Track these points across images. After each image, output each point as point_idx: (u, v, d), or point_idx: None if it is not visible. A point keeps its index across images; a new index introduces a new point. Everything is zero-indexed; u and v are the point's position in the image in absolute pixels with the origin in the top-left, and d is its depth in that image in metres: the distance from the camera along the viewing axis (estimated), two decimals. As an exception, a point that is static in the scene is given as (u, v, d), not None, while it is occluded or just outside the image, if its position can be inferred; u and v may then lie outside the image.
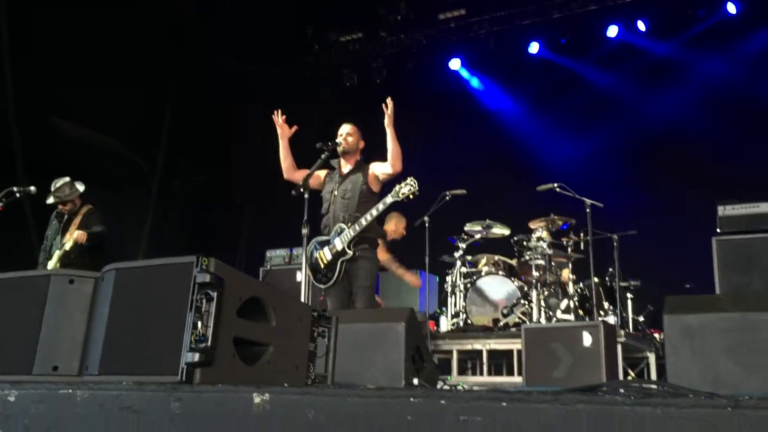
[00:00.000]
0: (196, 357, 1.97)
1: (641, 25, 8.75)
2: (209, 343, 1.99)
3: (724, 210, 6.52)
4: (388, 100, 5.24)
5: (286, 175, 5.51)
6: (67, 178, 6.67)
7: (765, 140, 7.77)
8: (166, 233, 9.74)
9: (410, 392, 1.68)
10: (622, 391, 1.68)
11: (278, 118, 5.56)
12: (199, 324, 2.00)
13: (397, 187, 5.04)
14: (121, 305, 2.17)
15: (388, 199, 5.06)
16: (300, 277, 5.35)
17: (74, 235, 6.31)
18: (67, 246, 6.32)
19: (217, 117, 9.59)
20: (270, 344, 2.25)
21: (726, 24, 8.36)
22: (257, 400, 1.76)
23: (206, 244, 9.85)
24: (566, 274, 6.99)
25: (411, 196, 5.04)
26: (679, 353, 3.43)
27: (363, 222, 5.10)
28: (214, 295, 2.02)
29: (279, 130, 5.55)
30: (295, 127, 5.55)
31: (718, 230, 6.51)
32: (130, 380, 1.99)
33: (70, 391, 1.95)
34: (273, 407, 1.76)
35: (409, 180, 5.03)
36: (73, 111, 8.15)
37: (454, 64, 9.91)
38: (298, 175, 5.41)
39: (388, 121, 5.22)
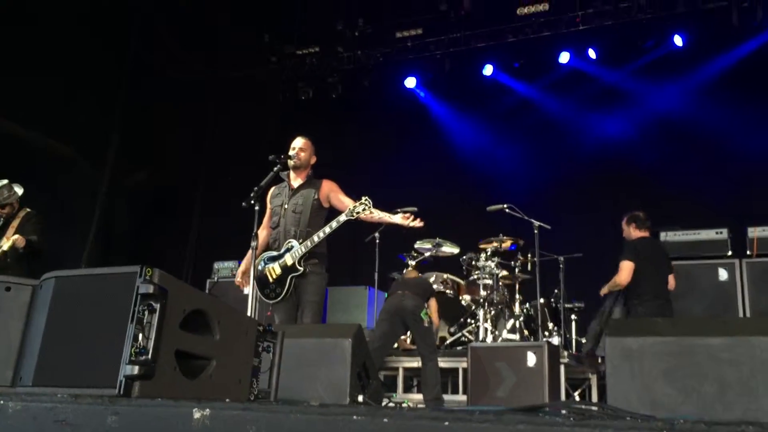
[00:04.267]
0: (136, 370, 1.92)
1: (592, 53, 8.97)
2: (150, 356, 1.95)
3: (666, 236, 6.74)
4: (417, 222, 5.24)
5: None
6: (5, 180, 6.46)
7: (706, 169, 8.03)
8: (112, 241, 9.52)
9: (353, 410, 1.67)
10: (563, 412, 1.71)
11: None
12: (140, 336, 1.95)
13: (351, 206, 5.03)
14: (59, 314, 2.11)
15: (342, 218, 5.04)
16: (247, 290, 5.27)
17: (12, 239, 6.10)
18: (5, 246, 6.10)
19: (167, 123, 9.45)
20: (213, 358, 2.21)
21: (673, 56, 8.63)
22: (197, 415, 1.73)
23: (153, 253, 9.66)
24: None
25: (364, 216, 5.05)
26: (619, 375, 3.50)
27: (315, 239, 5.07)
28: (157, 306, 1.98)
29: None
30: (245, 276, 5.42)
31: (660, 255, 6.71)
32: (65, 392, 1.93)
33: (2, 402, 1.88)
34: (213, 423, 1.73)
35: (363, 199, 5.03)
36: (14, 111, 7.90)
37: (410, 82, 9.99)
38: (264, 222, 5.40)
39: (402, 221, 5.22)
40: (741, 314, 6.18)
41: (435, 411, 1.61)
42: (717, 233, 6.56)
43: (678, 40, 8.48)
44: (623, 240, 6.55)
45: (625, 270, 6.16)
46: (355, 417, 1.59)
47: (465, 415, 1.55)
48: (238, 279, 5.55)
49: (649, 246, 6.36)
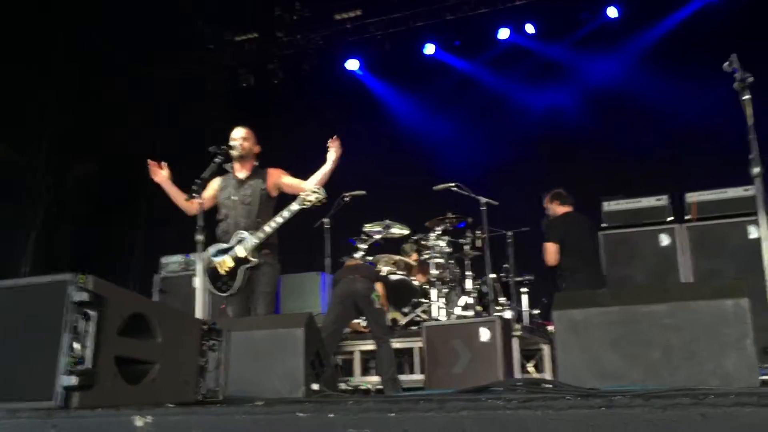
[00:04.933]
0: (74, 380, 1.87)
1: (530, 28, 9.05)
2: (88, 365, 1.89)
3: (608, 206, 6.87)
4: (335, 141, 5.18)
5: (188, 211, 5.23)
6: None
7: (646, 137, 8.21)
8: (55, 240, 9.26)
9: (299, 407, 1.66)
10: (506, 395, 1.73)
11: (154, 168, 5.33)
12: (77, 345, 1.90)
13: (303, 194, 4.98)
14: (-10, 328, 2.03)
15: (294, 207, 5.00)
16: (197, 283, 5.19)
17: None
18: None
19: (109, 118, 9.20)
20: (156, 361, 2.17)
21: (608, 27, 8.77)
22: (139, 423, 1.69)
23: (99, 251, 9.44)
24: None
25: (318, 204, 5.01)
26: (567, 348, 3.56)
27: (267, 229, 5.02)
28: (93, 314, 1.92)
29: (154, 178, 5.33)
30: (166, 170, 5.32)
31: (603, 225, 6.86)
32: (1, 407, 1.87)
33: (-68, 424, 1.81)
34: (157, 429, 1.70)
35: (315, 187, 4.99)
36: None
37: (352, 64, 9.92)
38: (196, 204, 5.23)
39: (334, 155, 5.15)
40: (683, 277, 6.34)
41: (380, 402, 1.61)
42: (657, 200, 6.71)
43: (612, 12, 8.62)
44: (547, 218, 6.79)
45: (550, 251, 6.48)
46: (300, 414, 1.58)
47: (410, 405, 1.55)
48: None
49: (572, 220, 6.61)
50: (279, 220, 5.01)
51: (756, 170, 3.99)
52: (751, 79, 4.02)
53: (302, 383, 4.05)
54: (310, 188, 4.98)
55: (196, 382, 2.37)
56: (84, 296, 1.93)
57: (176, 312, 2.37)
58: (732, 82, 4.12)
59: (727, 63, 4.13)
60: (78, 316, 1.92)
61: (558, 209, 6.74)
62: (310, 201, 4.94)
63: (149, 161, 5.39)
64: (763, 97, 4.46)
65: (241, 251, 5.06)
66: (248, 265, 5.04)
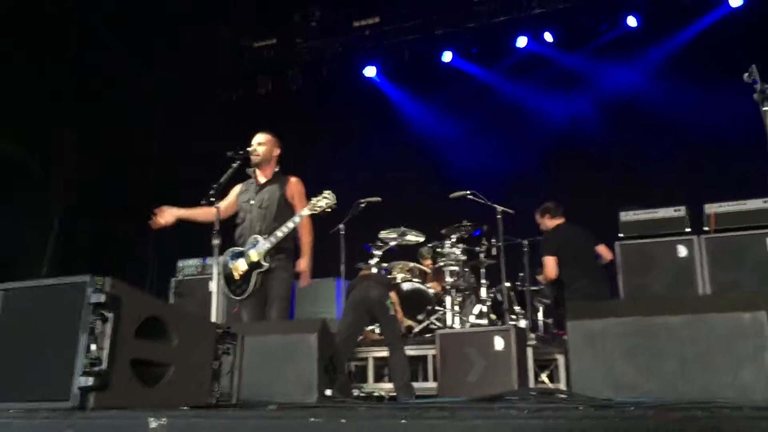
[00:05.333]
0: (90, 381, 1.89)
1: (548, 37, 9.03)
2: (104, 366, 1.92)
3: (626, 216, 6.82)
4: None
5: (215, 219, 5.18)
6: None
7: (665, 147, 8.16)
8: (74, 241, 9.34)
9: (311, 412, 1.67)
10: (519, 404, 1.73)
11: (156, 220, 5.42)
12: (94, 347, 1.92)
13: (313, 200, 5.00)
14: (8, 328, 2.06)
15: (305, 212, 5.02)
16: (212, 287, 5.23)
17: None
18: None
19: (122, 120, 9.28)
20: (171, 364, 2.19)
21: (628, 37, 8.73)
22: (153, 424, 1.71)
23: (117, 253, 9.51)
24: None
25: (328, 210, 5.02)
26: (582, 358, 3.54)
27: (279, 234, 5.04)
28: (110, 315, 1.94)
29: (164, 223, 5.41)
30: (166, 212, 5.39)
31: (620, 235, 6.82)
32: (19, 407, 1.89)
33: (-49, 422, 1.84)
34: (171, 431, 1.71)
35: (326, 193, 5.00)
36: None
37: (369, 71, 9.94)
38: (225, 207, 5.29)
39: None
40: (701, 289, 6.28)
41: (392, 409, 1.62)
42: (675, 210, 6.65)
43: (632, 21, 8.58)
44: (542, 233, 6.94)
45: (549, 265, 6.66)
46: (312, 419, 1.59)
47: (421, 411, 1.56)
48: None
49: (565, 231, 6.76)
50: (290, 225, 5.03)
51: (775, 182, 3.96)
52: (771, 91, 3.99)
53: (315, 389, 4.07)
54: (323, 194, 5.00)
55: (211, 385, 2.38)
56: (101, 298, 1.96)
57: (192, 315, 2.39)
58: (752, 92, 4.10)
59: (746, 74, 4.10)
60: (95, 317, 1.94)
61: (549, 223, 6.92)
62: (320, 207, 4.96)
63: (151, 218, 5.44)
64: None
65: (254, 255, 5.09)
66: (261, 270, 5.06)
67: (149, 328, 2.14)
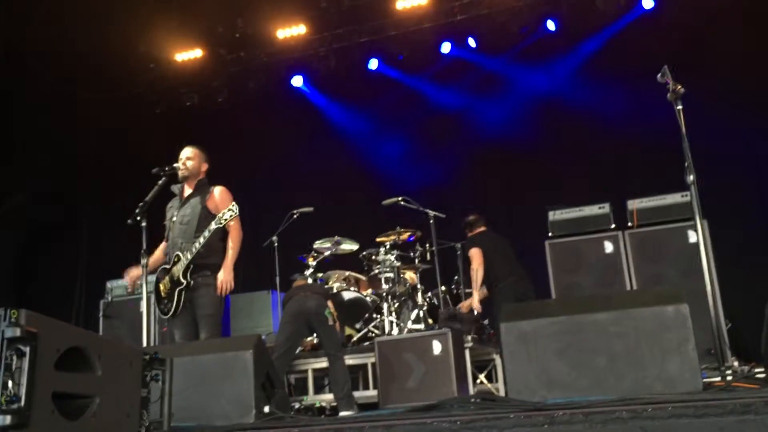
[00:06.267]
0: (8, 419, 1.80)
1: (472, 42, 9.17)
2: (22, 403, 1.83)
3: (554, 215, 7.00)
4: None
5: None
6: None
7: (588, 147, 8.39)
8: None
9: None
10: (451, 415, 1.73)
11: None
12: (10, 383, 1.83)
13: (220, 213, 4.92)
14: None
15: (213, 226, 4.92)
16: (143, 307, 5.09)
17: None
18: None
19: (50, 142, 8.97)
20: (96, 395, 2.10)
21: (548, 40, 8.93)
22: (77, 462, 1.63)
23: (42, 276, 9.16)
24: (410, 276, 7.20)
25: (233, 222, 4.97)
26: (516, 359, 3.61)
27: (193, 250, 4.93)
28: (26, 349, 1.86)
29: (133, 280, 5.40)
30: (132, 270, 5.36)
31: (549, 234, 6.99)
32: (-70, 453, 1.78)
33: None
34: (96, 468, 1.64)
35: (231, 205, 4.93)
36: None
37: (297, 81, 9.88)
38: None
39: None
40: (628, 283, 6.48)
41: (327, 427, 1.60)
42: (600, 208, 6.86)
43: (551, 25, 8.80)
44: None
45: (475, 256, 6.81)
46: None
47: (356, 430, 1.54)
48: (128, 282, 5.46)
49: (488, 237, 7.01)
50: (202, 240, 4.93)
51: (690, 177, 4.13)
52: (682, 90, 4.16)
53: (253, 407, 4.00)
54: (228, 207, 4.92)
55: (140, 415, 2.31)
56: (17, 332, 1.87)
57: (115, 343, 2.31)
58: (666, 92, 4.27)
59: (659, 74, 4.26)
60: (11, 352, 1.85)
61: (472, 234, 7.16)
62: (225, 219, 4.89)
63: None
64: (696, 105, 4.62)
65: (175, 272, 4.99)
66: (181, 287, 4.96)
67: (70, 359, 2.05)
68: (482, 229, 7.13)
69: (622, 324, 3.50)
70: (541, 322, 3.62)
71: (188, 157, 5.30)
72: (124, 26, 8.74)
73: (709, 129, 7.14)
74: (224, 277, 5.03)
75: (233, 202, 4.93)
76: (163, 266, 5.22)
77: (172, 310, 4.97)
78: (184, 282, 4.93)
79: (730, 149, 7.52)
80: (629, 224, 6.70)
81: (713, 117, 7.23)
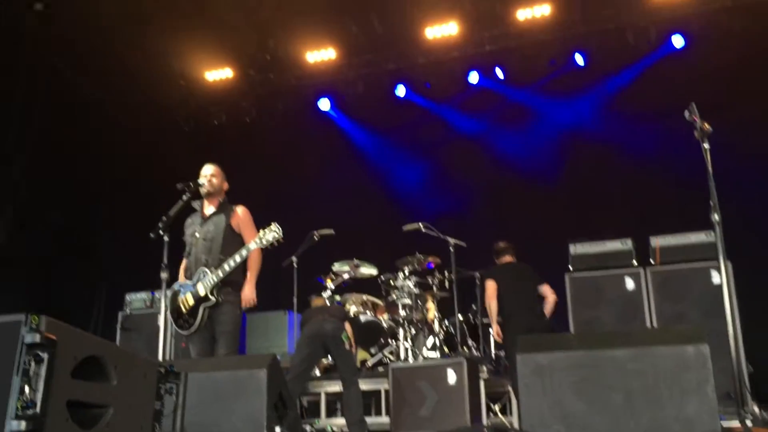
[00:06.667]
0: (23, 425, 1.82)
1: (500, 73, 9.21)
2: (38, 409, 1.84)
3: (575, 248, 6.94)
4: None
5: None
6: None
7: (613, 181, 8.35)
8: (16, 275, 9.06)
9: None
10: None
11: None
12: (27, 389, 1.85)
13: (261, 233, 4.95)
14: (-63, 370, 1.97)
15: (252, 245, 4.96)
16: (161, 321, 5.11)
17: None
18: None
19: (73, 156, 9.10)
20: (110, 405, 2.11)
21: (576, 73, 8.95)
22: (88, 470, 1.64)
23: (64, 287, 9.25)
24: (432, 311, 7.14)
25: (275, 243, 4.97)
26: (531, 391, 3.57)
27: (226, 267, 4.97)
28: (45, 356, 1.88)
29: None
30: None
31: (570, 267, 6.93)
32: (-55, 454, 1.80)
33: None
34: (106, 477, 1.65)
35: (273, 226, 4.96)
36: None
37: (324, 104, 9.98)
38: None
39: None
40: (648, 321, 6.40)
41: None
42: (622, 243, 6.79)
43: (579, 59, 8.82)
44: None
45: (487, 289, 6.74)
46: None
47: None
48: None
49: (507, 267, 6.88)
50: (237, 258, 4.97)
51: (716, 217, 4.09)
52: (710, 129, 4.14)
53: (264, 426, 3.98)
54: (269, 227, 4.95)
55: (152, 427, 2.31)
56: (36, 338, 1.89)
57: (132, 354, 2.32)
58: (693, 129, 4.25)
59: (687, 112, 4.25)
60: (29, 358, 1.87)
61: (498, 262, 7.04)
62: (267, 240, 4.91)
63: None
64: (723, 144, 4.59)
65: (201, 289, 5.01)
66: (208, 304, 4.98)
67: (87, 368, 2.07)
68: (507, 259, 6.98)
69: (641, 361, 3.45)
70: (558, 355, 3.58)
71: (212, 174, 5.37)
72: (158, 42, 8.90)
73: (735, 169, 7.10)
74: (249, 294, 5.07)
75: (275, 223, 4.96)
76: (181, 281, 5.24)
77: (195, 326, 4.99)
78: (213, 299, 4.96)
79: (757, 190, 7.44)
80: (651, 261, 6.63)
81: (740, 157, 7.17)
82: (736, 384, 3.87)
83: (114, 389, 2.16)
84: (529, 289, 6.76)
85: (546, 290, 6.70)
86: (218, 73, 9.92)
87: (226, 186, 5.46)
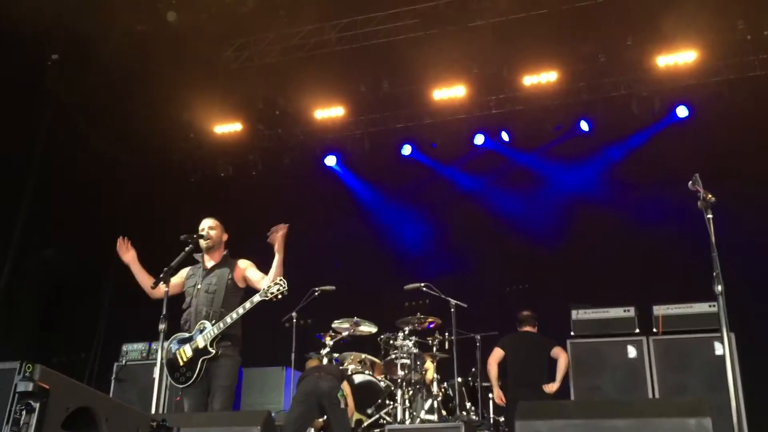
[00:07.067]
0: (9, 477, 1.78)
1: (505, 136, 9.32)
2: (26, 460, 1.81)
3: (577, 314, 6.90)
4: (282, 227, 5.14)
5: (151, 296, 5.18)
6: None
7: (615, 248, 8.34)
8: (15, 322, 9.00)
9: None
10: None
11: (121, 246, 5.37)
12: (17, 438, 1.81)
13: (266, 287, 4.93)
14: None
15: (256, 298, 4.94)
16: (156, 373, 5.04)
17: None
18: None
19: (77, 201, 9.15)
20: (99, 459, 2.07)
21: (580, 139, 9.05)
22: None
23: (60, 335, 9.16)
24: (431, 371, 7.05)
25: (279, 296, 4.94)
26: (529, 459, 3.49)
27: (228, 320, 4.94)
28: (36, 405, 1.85)
29: (122, 256, 5.36)
30: (131, 250, 5.36)
31: (572, 333, 6.87)
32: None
33: None
34: None
35: (278, 279, 4.95)
36: None
37: (330, 160, 10.08)
38: (161, 292, 5.20)
39: (278, 246, 5.11)
40: (650, 390, 6.30)
41: None
42: (625, 311, 6.75)
43: (584, 125, 8.92)
44: None
45: (492, 354, 7.10)
46: None
47: None
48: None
49: (519, 339, 7.12)
50: (241, 311, 4.94)
51: (719, 288, 4.06)
52: (713, 199, 4.15)
53: (256, 486, 3.89)
54: (272, 280, 4.94)
55: (140, 483, 2.26)
56: (29, 386, 1.86)
57: (124, 407, 2.28)
58: (697, 199, 4.26)
59: (691, 182, 4.27)
60: (21, 407, 1.84)
61: (518, 330, 7.25)
62: (272, 293, 4.89)
63: (119, 239, 5.35)
64: (727, 215, 4.60)
65: (201, 341, 4.97)
66: (207, 356, 4.93)
67: (78, 419, 2.03)
68: (526, 328, 7.18)
69: (642, 433, 3.39)
70: (558, 423, 3.52)
71: (211, 227, 5.39)
72: (169, 95, 9.04)
73: (739, 239, 7.09)
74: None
75: (281, 277, 4.95)
76: (179, 334, 5.19)
77: (193, 378, 4.92)
78: (213, 351, 4.91)
79: (761, 261, 7.42)
80: (654, 330, 6.57)
81: (744, 228, 7.17)
82: (739, 459, 3.77)
83: (104, 442, 2.12)
84: (536, 358, 6.93)
85: (558, 351, 6.82)
86: (227, 127, 10.06)
87: (225, 237, 5.47)
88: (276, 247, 5.11)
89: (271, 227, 5.19)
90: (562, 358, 6.76)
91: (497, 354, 7.04)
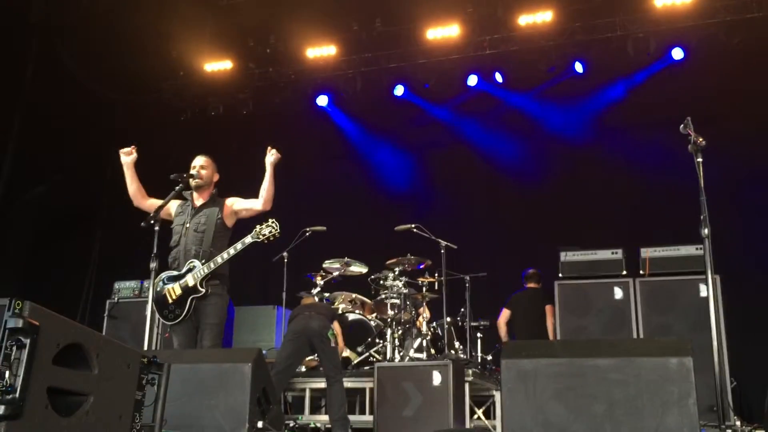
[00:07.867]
0: (1, 409, 1.81)
1: (498, 77, 9.21)
2: (17, 394, 1.84)
3: (565, 256, 6.97)
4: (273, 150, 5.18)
5: (134, 203, 5.36)
6: None
7: (603, 191, 8.37)
8: (6, 260, 9.03)
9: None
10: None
11: (125, 150, 5.36)
12: (7, 373, 1.84)
13: (258, 228, 4.95)
14: None
15: (248, 240, 4.96)
16: (148, 311, 5.10)
17: None
18: None
19: (68, 137, 9.06)
20: (90, 393, 2.11)
21: (574, 81, 8.95)
22: (64, 458, 1.64)
23: (52, 272, 9.21)
24: (426, 312, 7.16)
25: (271, 238, 4.97)
26: (514, 396, 3.58)
27: (218, 260, 4.97)
28: (27, 341, 1.87)
29: (122, 158, 5.36)
30: (134, 154, 5.36)
31: (560, 275, 6.95)
32: None
33: None
34: (82, 466, 1.65)
35: (270, 221, 4.96)
36: None
37: (321, 100, 9.96)
38: (147, 204, 5.26)
39: (272, 161, 5.11)
40: (635, 331, 6.43)
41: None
42: (612, 253, 6.82)
43: (579, 67, 8.82)
44: None
45: (501, 315, 7.74)
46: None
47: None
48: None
49: (523, 297, 7.66)
50: (231, 251, 4.97)
51: (705, 231, 4.10)
52: (703, 143, 4.15)
53: (246, 421, 3.98)
54: (267, 223, 4.95)
55: (132, 417, 2.31)
56: (19, 323, 1.88)
57: (115, 343, 2.31)
58: (688, 143, 4.26)
59: (682, 125, 4.26)
60: (11, 342, 1.87)
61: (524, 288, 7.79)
62: (264, 235, 4.91)
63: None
64: (717, 158, 4.61)
65: (191, 280, 5.00)
66: (196, 295, 4.98)
67: (69, 355, 2.06)
68: (531, 285, 7.68)
69: (624, 372, 3.46)
70: (542, 362, 3.59)
71: (203, 166, 5.37)
72: (158, 31, 8.86)
73: (728, 183, 7.12)
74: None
75: (273, 219, 4.96)
76: (167, 272, 5.23)
77: (181, 316, 4.99)
78: (203, 290, 4.96)
79: (749, 204, 7.47)
80: (641, 272, 6.65)
81: (733, 171, 7.19)
82: (718, 398, 3.88)
83: (95, 378, 2.16)
84: (537, 314, 7.46)
85: (548, 309, 7.37)
86: (217, 65, 9.89)
87: (216, 177, 5.46)
88: (269, 161, 5.16)
89: (262, 167, 5.18)
90: (549, 320, 7.31)
91: (504, 315, 7.62)
